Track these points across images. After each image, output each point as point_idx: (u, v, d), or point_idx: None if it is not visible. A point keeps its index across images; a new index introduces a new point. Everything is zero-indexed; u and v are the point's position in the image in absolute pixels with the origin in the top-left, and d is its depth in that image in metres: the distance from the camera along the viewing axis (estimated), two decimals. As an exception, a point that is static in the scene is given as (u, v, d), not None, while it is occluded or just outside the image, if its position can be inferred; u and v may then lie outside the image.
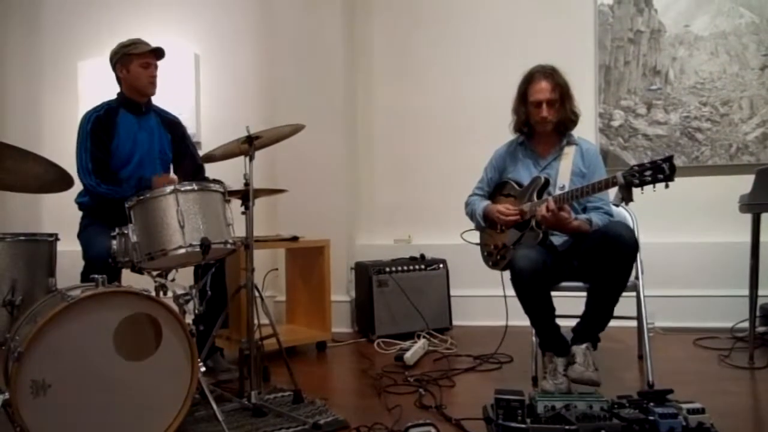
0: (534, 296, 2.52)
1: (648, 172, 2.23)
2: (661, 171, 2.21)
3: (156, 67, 2.96)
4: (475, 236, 3.00)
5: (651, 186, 2.23)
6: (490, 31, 4.32)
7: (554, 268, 2.59)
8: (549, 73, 2.71)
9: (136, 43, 2.92)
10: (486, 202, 2.87)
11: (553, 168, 2.75)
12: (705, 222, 3.89)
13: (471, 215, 2.94)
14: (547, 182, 2.67)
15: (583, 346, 2.49)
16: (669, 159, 2.21)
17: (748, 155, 3.86)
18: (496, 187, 2.92)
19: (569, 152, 2.73)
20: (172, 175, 3.01)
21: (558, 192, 2.61)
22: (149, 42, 2.95)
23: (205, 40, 4.67)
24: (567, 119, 2.73)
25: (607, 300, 2.48)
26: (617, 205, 2.45)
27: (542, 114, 2.69)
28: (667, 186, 2.21)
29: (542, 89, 2.69)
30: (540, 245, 2.60)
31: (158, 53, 2.94)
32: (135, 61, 2.88)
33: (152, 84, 2.95)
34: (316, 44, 4.25)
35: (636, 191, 2.28)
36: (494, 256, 2.84)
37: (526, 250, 2.55)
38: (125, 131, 2.89)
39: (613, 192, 2.42)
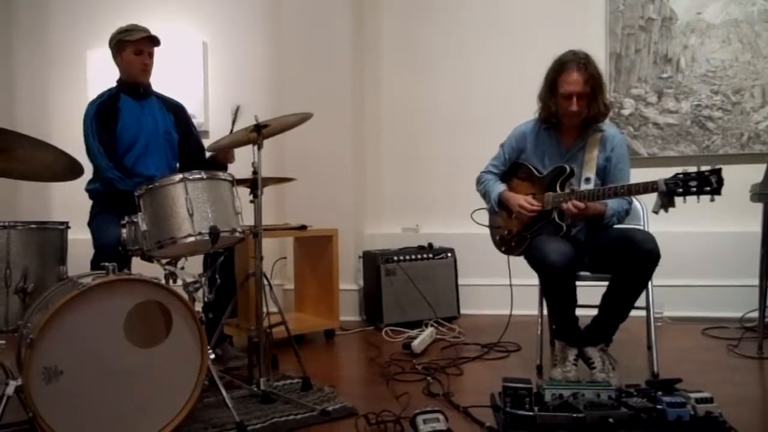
0: (564, 290, 2.49)
1: (693, 183, 2.12)
2: (708, 183, 2.10)
3: (150, 54, 2.94)
4: (484, 217, 2.97)
5: (695, 197, 2.12)
6: (499, 21, 4.29)
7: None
8: (582, 63, 2.50)
9: (131, 29, 2.90)
10: (502, 187, 2.78)
11: (577, 158, 2.62)
12: (715, 211, 3.80)
13: (484, 195, 2.87)
14: (572, 172, 2.56)
15: (598, 347, 2.50)
16: (717, 172, 2.10)
17: (759, 144, 3.83)
18: (511, 168, 2.82)
19: (594, 141, 2.59)
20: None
21: (584, 185, 2.53)
22: (149, 29, 2.92)
23: (213, 28, 4.66)
24: (598, 113, 2.56)
25: (622, 306, 2.47)
26: (656, 212, 2.36)
27: (572, 108, 2.51)
28: (712, 199, 2.11)
29: (574, 81, 2.49)
30: (563, 237, 2.54)
31: (152, 41, 2.92)
32: (128, 48, 2.88)
33: (144, 71, 2.94)
34: (324, 32, 4.24)
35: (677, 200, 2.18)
36: (507, 242, 2.79)
37: (555, 243, 2.47)
38: (128, 115, 2.90)
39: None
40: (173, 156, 3.03)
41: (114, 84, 2.98)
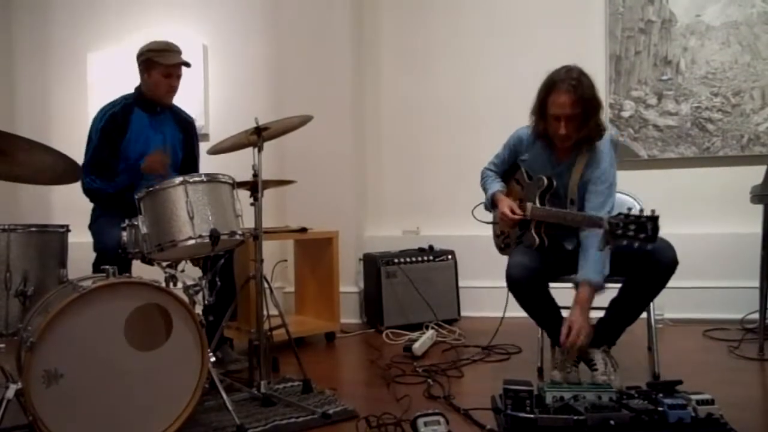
0: (531, 302, 2.51)
1: (632, 227, 2.09)
2: (644, 230, 2.07)
3: (179, 77, 2.93)
4: (485, 215, 2.94)
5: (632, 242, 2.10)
6: (500, 22, 4.29)
7: (560, 265, 2.55)
8: (573, 85, 2.33)
9: (165, 50, 2.87)
10: (497, 187, 2.76)
11: (564, 176, 2.55)
12: (715, 213, 3.86)
13: (484, 190, 2.86)
14: (550, 184, 2.52)
15: (600, 349, 2.48)
16: (654, 219, 2.07)
17: (759, 146, 3.83)
18: (511, 167, 2.79)
19: (582, 160, 2.50)
20: (156, 151, 2.87)
21: (569, 206, 2.50)
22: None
23: (213, 31, 4.66)
24: (590, 134, 2.43)
25: (633, 311, 2.47)
26: (601, 250, 2.35)
27: (561, 131, 2.40)
28: (648, 246, 2.08)
29: (561, 104, 2.36)
30: (537, 250, 2.52)
31: (184, 65, 2.91)
32: (158, 69, 2.85)
33: (170, 94, 2.94)
34: (324, 35, 4.24)
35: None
36: (500, 240, 2.82)
37: (519, 256, 2.48)
38: (137, 129, 2.90)
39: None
40: (175, 173, 3.01)
41: (123, 87, 2.96)
